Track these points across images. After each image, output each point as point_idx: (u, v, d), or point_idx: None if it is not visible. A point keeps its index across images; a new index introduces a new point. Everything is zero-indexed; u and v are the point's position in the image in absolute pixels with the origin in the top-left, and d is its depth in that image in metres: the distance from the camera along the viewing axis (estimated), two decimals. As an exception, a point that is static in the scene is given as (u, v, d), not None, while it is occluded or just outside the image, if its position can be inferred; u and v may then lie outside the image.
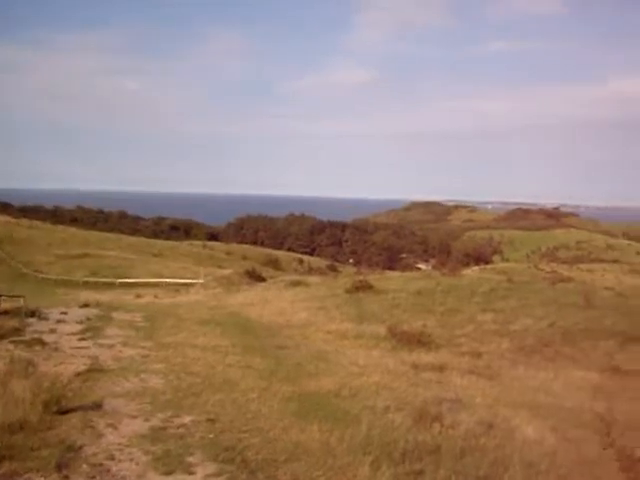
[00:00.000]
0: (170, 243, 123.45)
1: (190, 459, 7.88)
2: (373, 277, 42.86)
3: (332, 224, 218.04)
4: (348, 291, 35.07)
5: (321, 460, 7.82)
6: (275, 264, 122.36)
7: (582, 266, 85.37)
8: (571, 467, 8.19)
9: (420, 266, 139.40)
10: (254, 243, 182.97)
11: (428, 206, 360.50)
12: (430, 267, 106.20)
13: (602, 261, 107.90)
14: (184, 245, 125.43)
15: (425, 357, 19.54)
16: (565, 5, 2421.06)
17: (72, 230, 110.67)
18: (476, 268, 65.14)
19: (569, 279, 51.60)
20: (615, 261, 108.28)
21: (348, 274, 58.38)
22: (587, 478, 7.69)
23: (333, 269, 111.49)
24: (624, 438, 5.60)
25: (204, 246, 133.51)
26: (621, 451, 4.73)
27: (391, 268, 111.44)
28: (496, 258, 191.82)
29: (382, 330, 23.86)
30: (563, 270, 67.13)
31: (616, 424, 7.65)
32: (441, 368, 17.39)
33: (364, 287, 35.54)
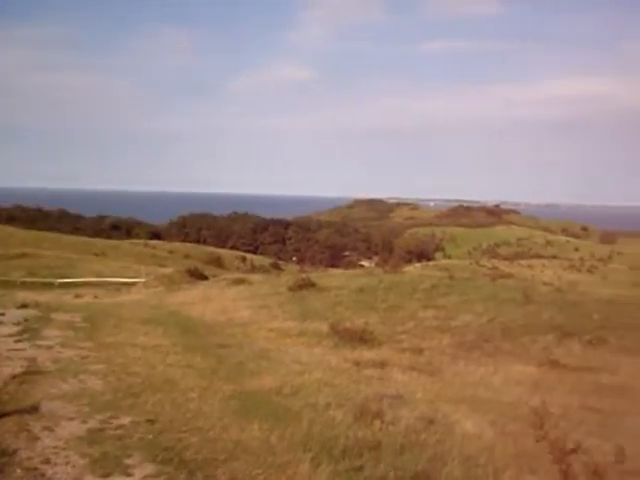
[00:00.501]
0: (111, 242, 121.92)
1: (128, 461, 7.75)
2: (316, 275, 42.87)
3: (275, 222, 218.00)
4: (291, 289, 35.00)
5: (261, 458, 7.78)
6: (218, 262, 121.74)
7: (522, 262, 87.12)
8: (508, 460, 8.29)
9: (363, 263, 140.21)
10: (197, 242, 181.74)
11: (371, 204, 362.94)
12: (373, 264, 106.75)
13: (542, 257, 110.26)
14: (125, 244, 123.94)
15: (367, 354, 19.62)
16: (502, 5, 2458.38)
17: (10, 229, 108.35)
18: (418, 265, 65.99)
19: (509, 275, 52.54)
20: (554, 257, 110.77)
21: (291, 272, 58.43)
22: (523, 470, 7.80)
23: (276, 267, 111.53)
24: (558, 430, 5.71)
25: (146, 245, 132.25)
26: (554, 443, 4.80)
27: (334, 266, 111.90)
28: (438, 255, 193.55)
29: (324, 328, 23.88)
30: (504, 266, 68.38)
31: (551, 417, 7.79)
32: (383, 365, 17.48)
33: (307, 285, 35.50)
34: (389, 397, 11.75)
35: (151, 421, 9.43)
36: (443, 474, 7.54)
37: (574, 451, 4.80)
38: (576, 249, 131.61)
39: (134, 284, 54.36)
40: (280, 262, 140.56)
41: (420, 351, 22.56)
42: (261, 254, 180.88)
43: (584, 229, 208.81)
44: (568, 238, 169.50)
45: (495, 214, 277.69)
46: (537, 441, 4.97)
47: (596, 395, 19.35)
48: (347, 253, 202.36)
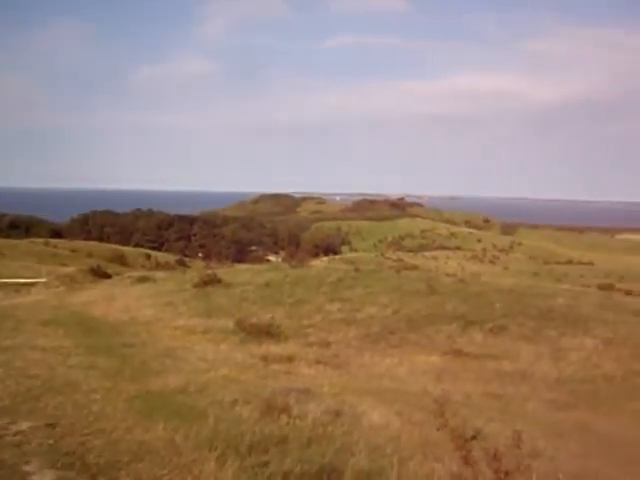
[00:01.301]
0: (10, 241, 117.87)
1: (26, 468, 7.46)
2: (222, 271, 42.62)
3: (180, 218, 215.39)
4: (196, 286, 34.69)
5: (166, 459, 7.62)
6: (122, 260, 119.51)
7: (427, 254, 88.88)
8: (414, 449, 8.40)
9: (270, 258, 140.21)
10: (100, 239, 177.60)
11: (277, 198, 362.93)
12: (280, 259, 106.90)
13: (446, 249, 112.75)
14: (25, 243, 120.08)
15: (274, 349, 19.61)
16: (409, 1, 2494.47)
17: None
18: (325, 259, 66.39)
19: (414, 267, 53.46)
20: (458, 248, 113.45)
21: (197, 268, 57.84)
22: (428, 458, 7.91)
23: (182, 264, 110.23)
24: (459, 418, 5.82)
25: (47, 244, 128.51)
26: (454, 431, 4.89)
27: (241, 261, 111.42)
28: (345, 248, 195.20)
29: (230, 324, 23.78)
30: (409, 258, 69.59)
31: (454, 404, 7.95)
32: (290, 359, 17.51)
33: (212, 281, 35.26)
34: (296, 391, 11.73)
35: (51, 425, 9.11)
36: (349, 465, 7.56)
37: (474, 437, 4.90)
38: (479, 240, 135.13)
39: (34, 284, 52.71)
40: (186, 259, 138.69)
41: (327, 344, 22.71)
42: (166, 251, 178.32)
43: (486, 221, 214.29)
44: (471, 230, 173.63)
45: (399, 207, 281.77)
46: (438, 429, 5.04)
47: (498, 382, 19.92)
48: (254, 248, 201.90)
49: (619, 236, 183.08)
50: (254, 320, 23.97)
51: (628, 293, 47.00)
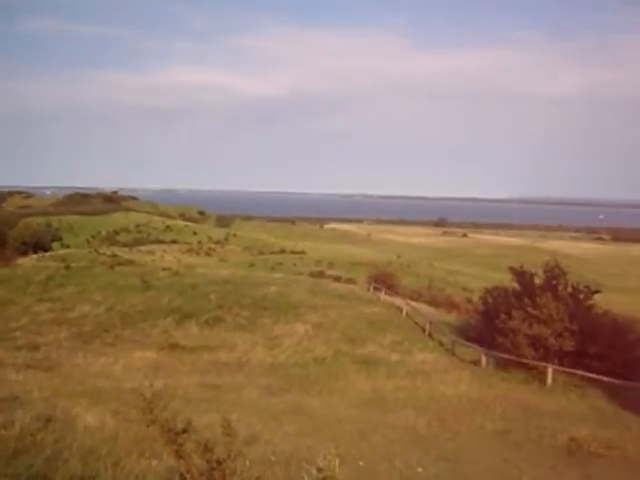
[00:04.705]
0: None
1: None
2: None
3: None
4: None
5: None
6: None
7: (142, 248, 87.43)
8: (130, 447, 8.33)
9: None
10: None
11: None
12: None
13: (162, 242, 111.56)
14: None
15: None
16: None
17: None
18: (34, 256, 62.96)
19: (129, 262, 52.50)
20: (174, 242, 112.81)
21: None
22: (144, 455, 7.86)
23: None
24: (170, 412, 5.82)
25: None
26: (164, 425, 4.90)
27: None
28: (56, 245, 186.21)
29: None
30: (123, 253, 68.09)
31: (169, 398, 7.93)
32: (-5, 365, 16.49)
33: None
34: (2, 400, 11.07)
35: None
36: (60, 473, 7.30)
37: (185, 430, 4.94)
38: (195, 233, 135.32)
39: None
40: None
41: (36, 347, 21.72)
42: None
43: (201, 213, 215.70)
44: (186, 222, 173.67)
45: (113, 201, 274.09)
46: (148, 426, 5.02)
47: (215, 372, 20.30)
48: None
49: (327, 226, 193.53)
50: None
51: (337, 279, 49.71)
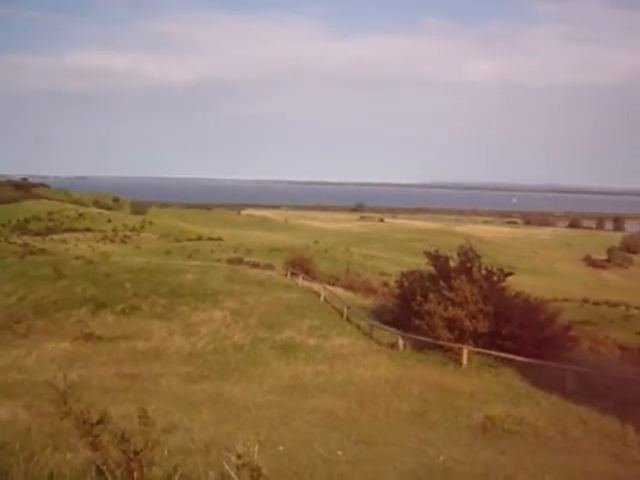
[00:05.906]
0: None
1: None
2: None
3: None
4: None
5: None
6: None
7: (55, 237, 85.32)
8: (45, 441, 8.17)
9: None
10: None
11: None
12: None
13: (75, 230, 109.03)
14: None
15: None
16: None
17: None
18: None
19: (41, 251, 51.21)
20: (87, 230, 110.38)
21: None
22: (60, 449, 7.70)
23: None
24: (84, 403, 5.71)
25: None
26: (78, 417, 4.80)
27: None
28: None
29: None
30: (36, 242, 66.33)
31: (84, 389, 7.79)
32: None
33: None
34: None
35: None
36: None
37: (100, 422, 4.84)
38: (109, 220, 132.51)
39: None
40: None
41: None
42: None
43: (115, 200, 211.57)
44: (100, 210, 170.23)
45: (24, 188, 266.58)
46: (61, 418, 4.90)
47: (131, 362, 20.02)
48: None
49: (244, 212, 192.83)
50: None
51: (255, 266, 49.62)
